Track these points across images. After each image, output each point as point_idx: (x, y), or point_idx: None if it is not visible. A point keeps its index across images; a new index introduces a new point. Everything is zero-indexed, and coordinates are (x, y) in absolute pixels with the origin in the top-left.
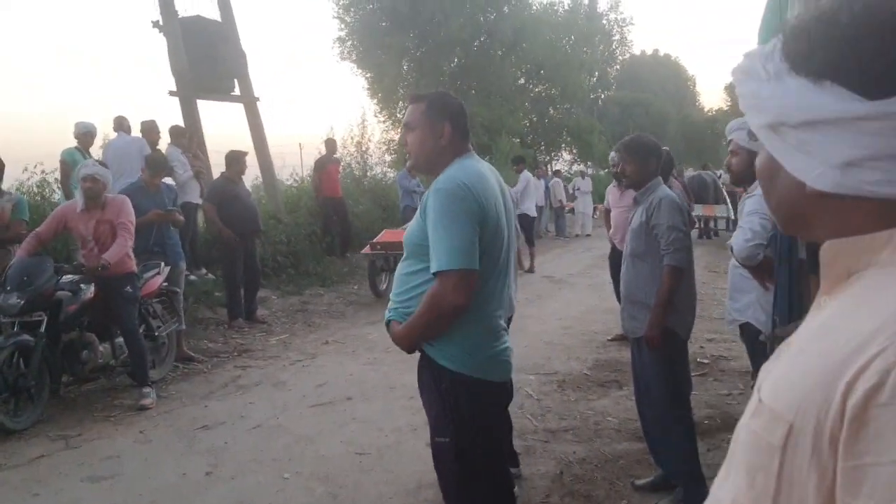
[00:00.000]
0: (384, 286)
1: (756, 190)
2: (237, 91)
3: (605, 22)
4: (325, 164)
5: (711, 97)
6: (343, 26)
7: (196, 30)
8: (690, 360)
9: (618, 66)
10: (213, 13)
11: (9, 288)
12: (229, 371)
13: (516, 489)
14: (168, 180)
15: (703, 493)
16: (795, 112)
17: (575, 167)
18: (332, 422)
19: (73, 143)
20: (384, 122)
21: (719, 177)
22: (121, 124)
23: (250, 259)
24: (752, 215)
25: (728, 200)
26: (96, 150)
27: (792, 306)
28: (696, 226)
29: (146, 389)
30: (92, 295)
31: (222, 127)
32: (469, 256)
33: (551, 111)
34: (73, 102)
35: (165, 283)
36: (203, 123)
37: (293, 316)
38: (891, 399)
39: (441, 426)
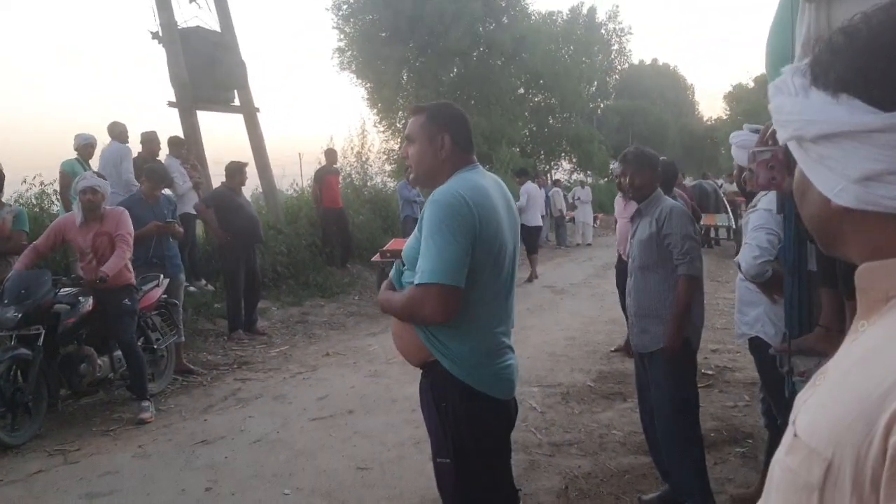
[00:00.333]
0: None
1: (760, 203)
2: (237, 102)
3: (603, 32)
4: (325, 175)
5: (711, 105)
6: (343, 37)
7: (195, 40)
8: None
9: (617, 76)
10: (213, 24)
11: (6, 301)
12: (229, 384)
13: None
14: (167, 191)
15: None
16: (813, 126)
17: (575, 176)
18: (334, 436)
19: (73, 153)
20: (384, 131)
21: (720, 186)
22: (111, 131)
23: (251, 270)
24: (758, 230)
25: (729, 209)
26: (95, 161)
27: (802, 319)
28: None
29: (145, 403)
30: (90, 308)
31: (222, 137)
32: (455, 273)
33: (551, 120)
34: (72, 103)
35: (164, 296)
36: (202, 133)
37: (293, 327)
38: None
39: (441, 447)
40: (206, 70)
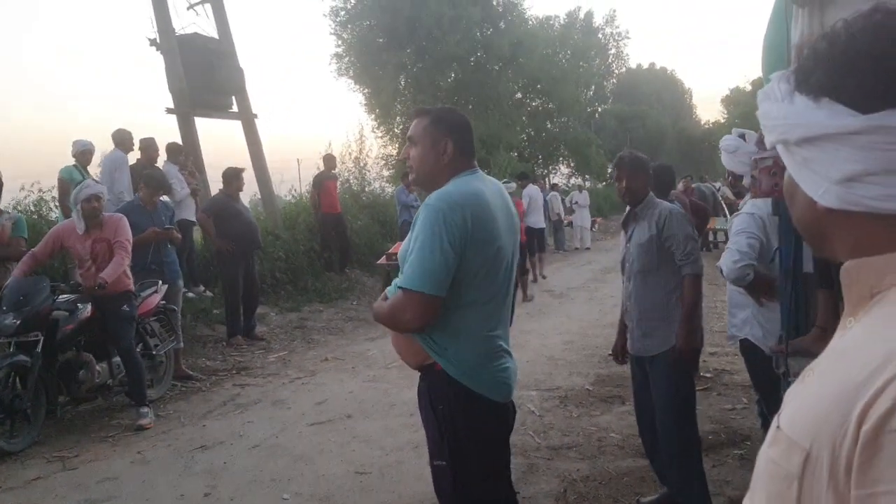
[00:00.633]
0: None
1: (745, 207)
2: (235, 108)
3: (600, 36)
4: (324, 181)
5: (708, 109)
6: (340, 42)
7: (193, 47)
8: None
9: (614, 80)
10: (211, 30)
11: (5, 308)
12: (228, 389)
13: None
14: (164, 198)
15: None
16: (797, 129)
17: (573, 180)
18: (332, 441)
19: (71, 160)
20: (382, 136)
21: (718, 189)
22: (114, 137)
23: (250, 276)
24: (739, 235)
25: (727, 213)
26: (93, 168)
27: (799, 321)
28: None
29: (144, 409)
30: (89, 314)
31: (220, 143)
32: (439, 283)
33: (548, 125)
34: (72, 103)
35: (163, 302)
36: (200, 139)
37: (292, 333)
38: None
39: (438, 449)
40: (204, 77)
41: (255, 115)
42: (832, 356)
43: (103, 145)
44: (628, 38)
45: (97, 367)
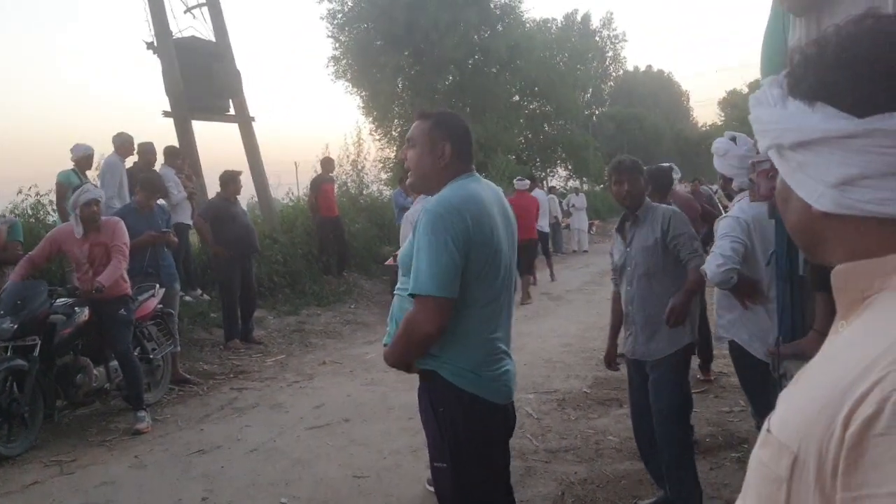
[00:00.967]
0: None
1: (731, 211)
2: (232, 111)
3: (598, 39)
4: (321, 184)
5: (706, 112)
6: (337, 45)
7: (190, 50)
8: (690, 376)
9: (611, 83)
10: (208, 33)
11: (2, 312)
12: (225, 393)
13: None
14: (161, 201)
15: None
16: (790, 133)
17: (570, 183)
18: (330, 444)
19: (70, 164)
20: (379, 139)
21: (715, 192)
22: (114, 141)
23: (247, 279)
24: (723, 238)
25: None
26: (92, 171)
27: (795, 324)
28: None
29: (141, 413)
30: (86, 318)
31: (217, 146)
32: (449, 284)
33: (546, 128)
34: (70, 105)
35: (160, 305)
36: (197, 142)
37: (290, 336)
38: (887, 429)
39: (438, 451)
40: (201, 80)
41: (253, 118)
42: (822, 360)
43: (101, 148)
44: (625, 40)
45: (94, 371)
